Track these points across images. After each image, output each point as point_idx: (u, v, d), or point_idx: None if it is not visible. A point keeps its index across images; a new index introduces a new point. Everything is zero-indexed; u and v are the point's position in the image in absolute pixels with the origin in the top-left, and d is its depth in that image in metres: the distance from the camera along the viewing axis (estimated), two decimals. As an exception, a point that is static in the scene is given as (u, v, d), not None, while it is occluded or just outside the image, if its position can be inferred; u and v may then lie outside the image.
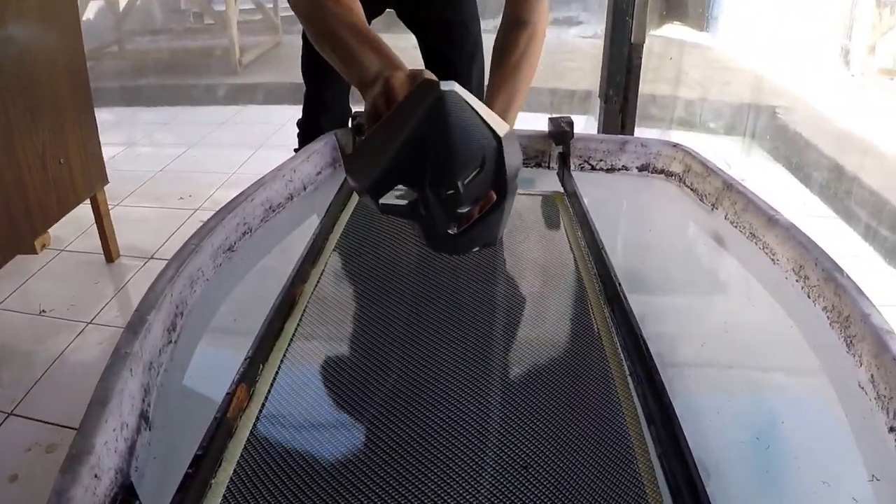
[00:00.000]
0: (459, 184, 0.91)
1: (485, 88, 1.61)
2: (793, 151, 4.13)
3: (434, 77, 0.97)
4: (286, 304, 1.11)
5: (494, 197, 0.98)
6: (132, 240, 3.16)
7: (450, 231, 0.99)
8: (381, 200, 0.95)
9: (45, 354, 2.52)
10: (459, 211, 0.96)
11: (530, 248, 1.35)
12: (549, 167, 1.76)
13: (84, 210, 2.92)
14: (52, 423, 2.21)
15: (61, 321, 2.70)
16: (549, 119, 1.71)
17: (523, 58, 1.36)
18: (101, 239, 3.01)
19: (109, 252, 3.01)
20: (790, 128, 4.34)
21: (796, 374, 1.06)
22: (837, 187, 3.63)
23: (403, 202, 0.95)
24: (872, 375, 0.95)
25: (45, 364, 2.47)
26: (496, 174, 0.93)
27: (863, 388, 0.96)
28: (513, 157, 0.95)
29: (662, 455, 0.84)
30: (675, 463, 0.80)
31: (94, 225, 3.01)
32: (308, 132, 2.27)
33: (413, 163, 0.90)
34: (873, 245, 3.13)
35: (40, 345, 2.58)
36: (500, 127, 0.90)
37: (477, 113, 0.86)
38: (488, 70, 1.46)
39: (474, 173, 0.92)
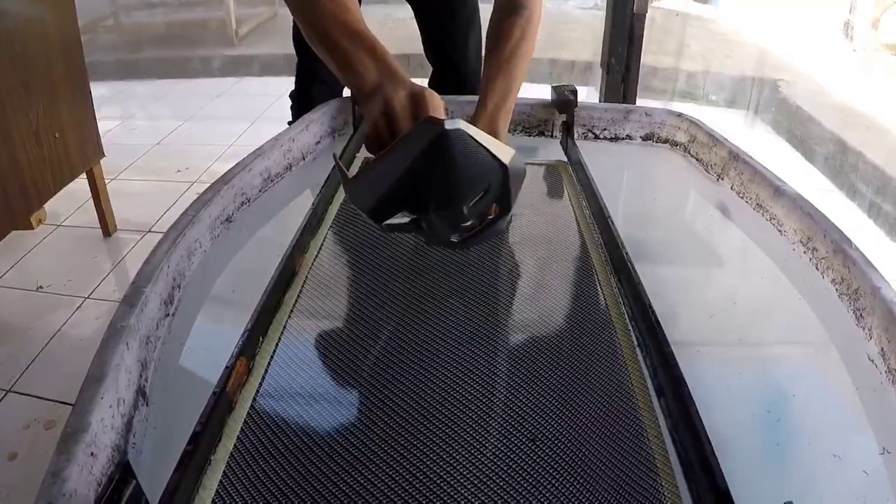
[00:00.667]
0: (464, 207, 0.90)
1: (482, 59, 1.58)
2: (795, 125, 4.11)
3: (435, 100, 0.97)
4: (285, 276, 1.09)
5: (498, 209, 0.96)
6: (129, 214, 3.13)
7: (452, 239, 0.97)
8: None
9: (42, 330, 2.50)
10: (463, 225, 0.94)
11: (534, 218, 1.33)
12: (552, 136, 1.74)
13: (80, 185, 2.89)
14: (50, 400, 2.19)
15: (59, 296, 2.69)
16: (553, 87, 1.69)
17: (518, 46, 1.32)
18: (97, 213, 2.99)
19: (106, 226, 2.99)
20: (792, 101, 4.32)
21: (805, 347, 1.04)
22: (840, 162, 3.62)
23: (406, 220, 0.93)
24: (883, 349, 0.93)
25: (43, 340, 2.45)
26: (502, 195, 0.91)
27: (873, 361, 0.95)
28: (517, 174, 0.93)
29: (673, 428, 0.82)
30: (687, 436, 0.78)
31: (91, 199, 2.99)
32: (301, 103, 2.25)
33: (417, 194, 0.88)
34: (876, 220, 3.12)
35: (38, 321, 2.56)
36: (505, 154, 0.87)
37: (482, 145, 0.83)
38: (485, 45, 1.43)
39: (479, 197, 0.90)
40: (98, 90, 3.00)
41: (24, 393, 2.25)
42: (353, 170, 1.45)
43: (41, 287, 2.74)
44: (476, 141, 0.82)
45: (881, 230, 3.05)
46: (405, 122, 0.96)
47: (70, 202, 3.21)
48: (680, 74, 4.76)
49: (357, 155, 1.52)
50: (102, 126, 3.01)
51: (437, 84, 2.31)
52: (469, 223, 0.96)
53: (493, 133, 1.25)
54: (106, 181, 3.01)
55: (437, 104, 0.96)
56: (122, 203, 3.13)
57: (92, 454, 0.72)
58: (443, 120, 0.79)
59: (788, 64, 4.78)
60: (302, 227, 1.19)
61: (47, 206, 2.58)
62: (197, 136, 4.14)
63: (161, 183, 3.52)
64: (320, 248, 1.21)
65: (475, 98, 1.33)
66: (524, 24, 1.34)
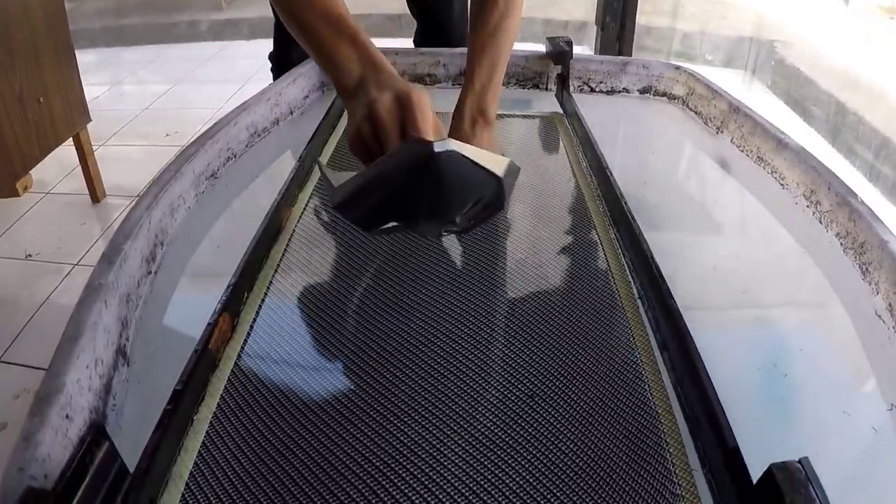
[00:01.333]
0: (456, 218, 0.86)
1: (467, 17, 1.53)
2: (792, 86, 4.09)
3: (423, 102, 0.86)
4: (271, 230, 1.05)
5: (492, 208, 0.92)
6: (118, 179, 3.10)
7: (444, 233, 0.95)
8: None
9: (31, 299, 2.48)
10: (454, 229, 0.90)
11: (531, 170, 1.30)
12: (546, 89, 1.70)
13: (68, 152, 2.87)
14: (40, 369, 2.17)
15: (48, 264, 2.66)
16: (548, 39, 1.66)
17: (503, 19, 1.25)
18: (85, 179, 2.96)
19: (95, 192, 2.96)
20: (788, 62, 4.30)
21: (809, 302, 1.02)
22: (837, 123, 3.60)
23: (395, 224, 0.89)
24: (890, 304, 0.91)
25: (32, 309, 2.43)
26: (495, 201, 0.88)
27: (880, 316, 0.92)
28: (511, 176, 0.89)
29: (678, 382, 0.80)
30: (693, 391, 0.75)
31: (79, 166, 2.96)
32: (280, 64, 2.23)
33: (406, 209, 0.84)
34: (875, 183, 3.11)
35: (26, 289, 2.54)
36: (499, 165, 0.83)
37: (473, 162, 0.79)
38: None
39: (471, 205, 0.86)
40: (85, 57, 2.97)
41: (14, 363, 2.23)
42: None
43: (30, 255, 2.71)
44: (468, 159, 0.78)
45: (879, 191, 3.04)
46: (391, 128, 0.87)
47: (58, 169, 3.18)
48: (675, 34, 4.74)
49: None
50: (90, 93, 2.97)
51: (422, 40, 2.28)
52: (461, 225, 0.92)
53: (482, 113, 1.24)
54: (94, 147, 2.98)
55: (425, 107, 0.88)
56: (111, 169, 3.10)
57: (67, 416, 0.68)
58: (431, 142, 0.73)
59: (785, 25, 4.76)
60: (289, 181, 1.16)
61: (35, 174, 2.55)
62: (185, 101, 4.10)
63: (150, 148, 3.47)
64: (307, 202, 1.18)
65: (465, 51, 1.28)
66: None
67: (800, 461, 0.56)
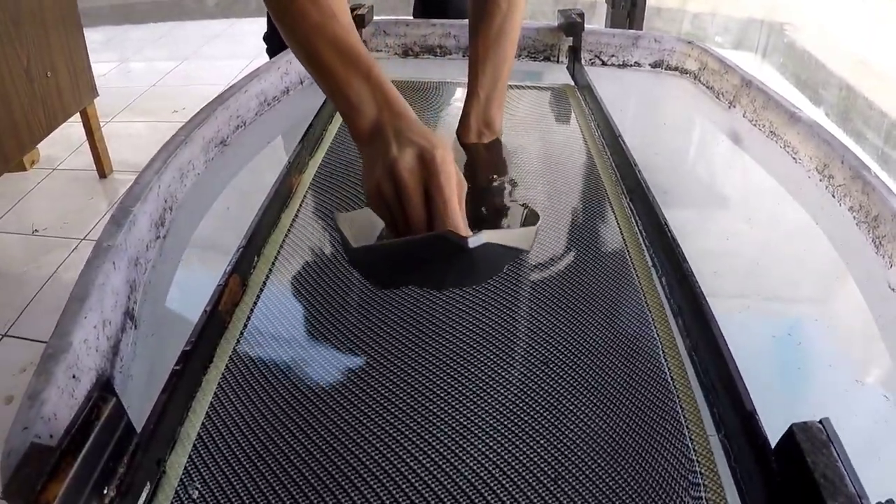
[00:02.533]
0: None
1: None
2: (802, 69, 4.07)
3: (448, 162, 0.78)
4: (282, 195, 1.05)
5: None
6: (125, 155, 3.10)
7: None
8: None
9: (38, 273, 2.48)
10: None
11: (543, 141, 1.30)
12: (558, 61, 1.70)
13: (76, 128, 2.87)
14: (46, 343, 2.17)
15: (55, 239, 2.66)
16: (559, 11, 1.65)
17: (506, 21, 1.21)
18: (93, 155, 2.96)
19: (102, 167, 2.95)
20: (799, 45, 4.28)
21: (822, 275, 1.00)
22: (847, 106, 3.58)
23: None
24: (904, 277, 0.90)
25: (39, 283, 2.43)
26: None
27: (893, 289, 0.91)
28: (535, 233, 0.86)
29: (693, 349, 0.79)
30: (708, 357, 0.74)
31: (86, 142, 2.96)
32: (274, 45, 2.21)
33: (430, 281, 0.82)
34: (885, 167, 3.09)
35: (33, 264, 2.54)
36: (527, 240, 0.81)
37: (506, 246, 0.77)
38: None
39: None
40: (93, 36, 2.97)
41: (20, 336, 2.23)
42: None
43: (37, 231, 2.71)
44: (499, 245, 0.74)
45: (887, 175, 3.02)
46: (414, 192, 0.76)
47: (66, 146, 3.18)
48: (685, 16, 4.72)
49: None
50: (97, 70, 2.96)
51: (421, 12, 2.25)
52: None
53: (488, 124, 1.24)
54: (101, 123, 2.97)
55: (449, 167, 0.78)
56: (118, 145, 3.10)
57: (74, 377, 0.68)
58: (465, 238, 0.68)
59: (796, 7, 4.73)
60: (299, 148, 1.15)
61: (43, 150, 2.55)
62: (193, 77, 4.09)
63: (157, 124, 3.46)
64: (318, 168, 1.17)
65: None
66: None
67: (821, 422, 0.55)
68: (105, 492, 0.57)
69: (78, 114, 2.78)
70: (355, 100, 0.85)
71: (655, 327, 0.84)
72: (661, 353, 0.80)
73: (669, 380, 0.76)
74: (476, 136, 1.24)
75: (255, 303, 0.87)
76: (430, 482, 0.65)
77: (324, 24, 0.87)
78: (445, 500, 0.64)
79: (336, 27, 0.87)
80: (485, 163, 1.21)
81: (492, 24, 1.21)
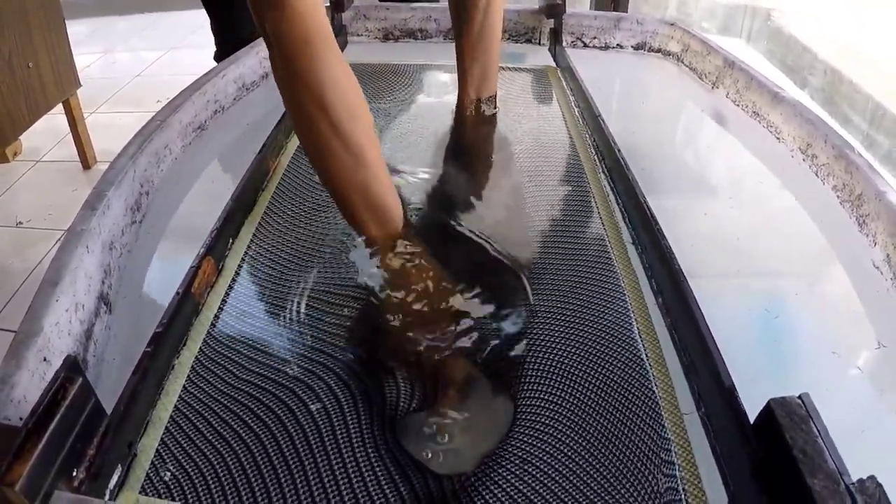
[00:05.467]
0: None
1: None
2: (788, 54, 4.07)
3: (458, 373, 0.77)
4: (258, 177, 1.04)
5: None
6: (109, 146, 3.07)
7: None
8: None
9: (22, 266, 2.47)
10: None
11: (524, 121, 1.30)
12: (540, 43, 1.69)
13: (59, 119, 2.85)
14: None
15: (39, 231, 2.65)
16: (542, -7, 1.65)
17: (487, 15, 1.23)
18: (76, 146, 2.93)
19: (86, 159, 2.93)
20: (785, 31, 4.28)
21: (805, 254, 1.00)
22: (832, 92, 3.59)
23: None
24: (888, 255, 0.90)
25: (23, 275, 2.41)
26: None
27: (877, 267, 0.91)
28: None
29: (672, 326, 0.79)
30: (687, 335, 0.74)
31: (70, 134, 2.94)
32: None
33: None
34: (871, 150, 3.10)
35: (17, 256, 2.52)
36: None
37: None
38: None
39: None
40: (77, 27, 2.95)
41: (4, 328, 2.22)
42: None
43: (21, 223, 2.70)
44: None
45: (874, 158, 3.03)
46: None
47: (49, 137, 3.16)
48: (670, 1, 4.72)
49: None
50: (81, 61, 2.93)
51: None
52: None
53: (484, 121, 1.27)
54: (85, 115, 2.95)
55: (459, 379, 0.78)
56: (103, 135, 3.08)
57: (45, 359, 0.67)
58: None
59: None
60: (276, 131, 1.14)
61: (26, 142, 2.52)
62: (178, 67, 4.06)
63: (141, 114, 3.35)
64: (295, 151, 1.17)
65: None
66: None
67: (800, 397, 0.55)
68: (74, 473, 0.57)
69: (61, 105, 2.77)
70: (393, 266, 0.88)
71: (634, 305, 0.84)
72: (640, 331, 0.80)
73: (647, 358, 0.76)
74: (471, 130, 1.26)
75: (230, 285, 0.86)
76: (403, 463, 0.65)
77: (355, 173, 0.87)
78: (420, 478, 0.64)
79: (369, 178, 0.88)
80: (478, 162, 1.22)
81: (473, 21, 1.22)
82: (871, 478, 0.50)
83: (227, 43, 2.19)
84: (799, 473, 0.50)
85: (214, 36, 2.21)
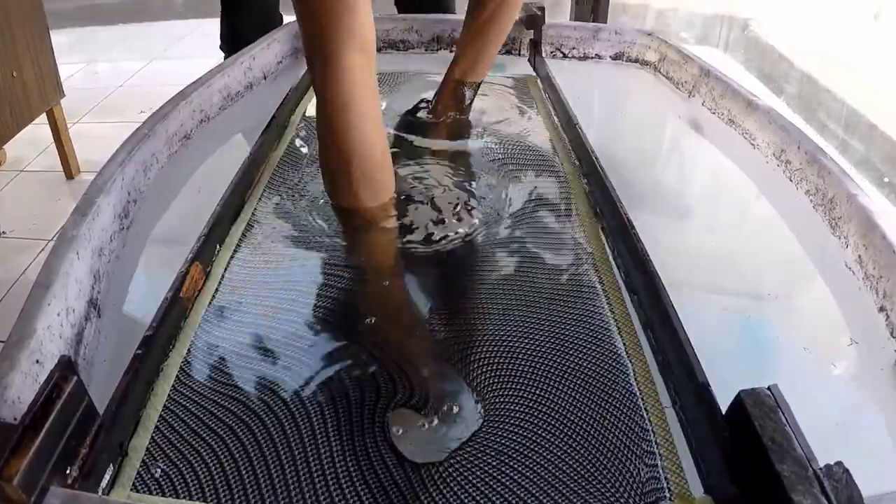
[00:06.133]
0: None
1: None
2: (765, 63, 4.11)
3: None
4: (245, 185, 1.06)
5: None
6: (93, 156, 3.06)
7: None
8: None
9: (6, 276, 2.46)
10: None
11: (503, 128, 1.32)
12: (519, 54, 1.71)
13: (43, 129, 2.85)
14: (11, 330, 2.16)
15: (22, 241, 2.64)
16: (520, 4, 1.67)
17: (500, 7, 1.26)
18: (60, 156, 2.93)
19: (69, 168, 2.93)
20: (763, 40, 4.32)
21: (779, 255, 1.02)
22: (810, 99, 3.62)
23: None
24: (860, 256, 0.92)
25: (7, 285, 2.41)
26: None
27: (850, 268, 0.93)
28: None
29: (647, 325, 0.81)
30: (662, 333, 0.77)
31: (53, 144, 2.94)
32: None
33: None
34: (844, 155, 3.14)
35: (1, 266, 2.52)
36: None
37: None
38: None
39: None
40: (60, 37, 2.94)
41: (-12, 338, 2.21)
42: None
43: (4, 233, 2.69)
44: None
45: (849, 163, 3.07)
46: None
47: (33, 148, 3.15)
48: (649, 11, 4.75)
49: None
50: (65, 71, 2.93)
51: (406, 6, 2.26)
52: None
53: (458, 104, 1.30)
54: (69, 125, 2.95)
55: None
56: (85, 146, 3.07)
57: (37, 362, 0.69)
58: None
59: (757, 2, 4.77)
60: (262, 140, 1.16)
61: (9, 152, 2.53)
62: (161, 78, 4.04)
63: (125, 124, 3.35)
64: (280, 160, 1.19)
65: (439, 17, 1.29)
66: None
67: (769, 388, 0.57)
68: (69, 472, 0.58)
69: (44, 115, 2.77)
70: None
71: (611, 305, 0.86)
72: (616, 329, 0.82)
73: (625, 355, 0.78)
74: (444, 113, 1.28)
75: (217, 290, 0.88)
76: (388, 460, 0.67)
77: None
78: (402, 474, 0.65)
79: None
80: (446, 138, 1.25)
81: (486, 7, 1.26)
82: (839, 463, 0.52)
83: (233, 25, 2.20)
84: (768, 460, 0.52)
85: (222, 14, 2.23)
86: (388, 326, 0.83)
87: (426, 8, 2.08)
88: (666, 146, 1.36)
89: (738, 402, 0.57)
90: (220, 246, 0.95)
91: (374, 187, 1.00)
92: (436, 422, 0.70)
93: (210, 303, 0.86)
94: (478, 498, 0.63)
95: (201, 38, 4.94)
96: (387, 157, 1.01)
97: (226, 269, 0.92)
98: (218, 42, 2.59)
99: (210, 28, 5.17)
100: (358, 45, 0.94)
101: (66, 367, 0.60)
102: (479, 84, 1.33)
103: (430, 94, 1.38)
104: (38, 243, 2.60)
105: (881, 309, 0.85)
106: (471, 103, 1.32)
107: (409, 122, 1.33)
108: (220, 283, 0.89)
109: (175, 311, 0.80)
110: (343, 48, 0.93)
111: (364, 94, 0.95)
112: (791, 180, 1.12)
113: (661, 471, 0.66)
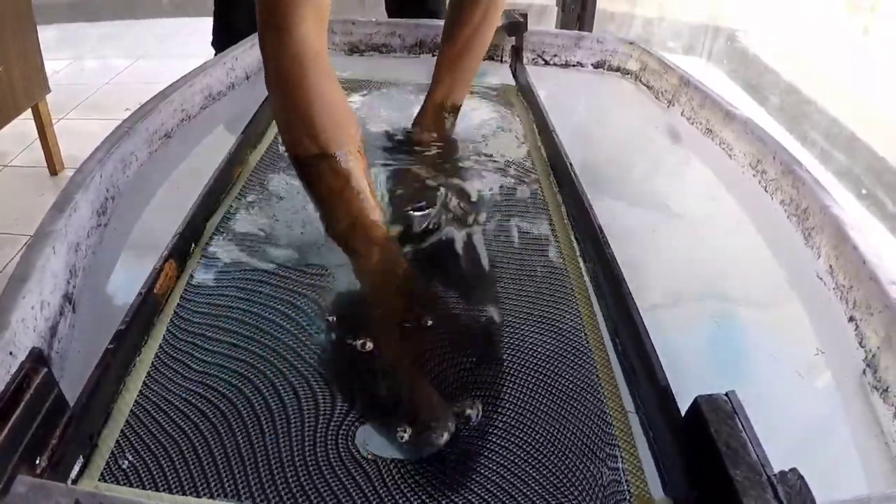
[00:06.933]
0: None
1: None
2: (751, 74, 4.13)
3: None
4: (221, 184, 1.07)
5: None
6: (77, 152, 3.06)
7: None
8: None
9: (-13, 270, 2.46)
10: None
11: (482, 137, 1.32)
12: (501, 61, 1.72)
13: (28, 125, 2.84)
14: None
15: (5, 236, 2.63)
16: (503, 11, 1.67)
17: (476, 32, 1.29)
18: (44, 152, 2.93)
19: (53, 165, 2.92)
20: (749, 51, 4.34)
21: (752, 265, 1.04)
22: (795, 111, 3.64)
23: None
24: (831, 266, 0.93)
25: (-12, 280, 2.41)
26: None
27: (821, 278, 0.95)
28: None
29: (614, 331, 0.82)
30: (628, 339, 0.78)
31: (38, 139, 2.94)
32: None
33: None
34: (826, 165, 3.16)
35: (-17, 261, 2.52)
36: None
37: None
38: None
39: None
40: (47, 33, 2.93)
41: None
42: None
43: (-14, 228, 2.69)
44: None
45: (831, 174, 3.09)
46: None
47: (17, 142, 3.15)
48: (635, 20, 4.76)
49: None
50: (51, 67, 2.94)
51: (395, 10, 2.26)
52: None
53: (440, 131, 1.29)
54: (54, 121, 2.94)
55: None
56: (70, 142, 3.07)
57: (11, 353, 0.69)
58: None
59: (745, 13, 4.79)
60: (241, 140, 1.17)
61: (-5, 148, 2.53)
62: (147, 75, 4.03)
63: (110, 121, 3.32)
64: (259, 160, 1.20)
65: (421, 22, 1.30)
66: (485, 9, 1.28)
67: (726, 394, 0.58)
68: (38, 461, 0.59)
69: (30, 110, 2.76)
70: (358, 247, 0.94)
71: (580, 311, 0.87)
72: (584, 335, 0.83)
73: (592, 360, 0.79)
74: (427, 135, 1.28)
75: (189, 287, 0.89)
76: (356, 455, 0.68)
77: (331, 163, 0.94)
78: (374, 470, 0.66)
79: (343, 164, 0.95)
80: (428, 160, 1.24)
81: (461, 35, 1.28)
82: (793, 470, 0.53)
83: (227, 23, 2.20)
84: (723, 465, 0.53)
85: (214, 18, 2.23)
86: (361, 326, 0.84)
87: (416, 9, 2.10)
88: (643, 155, 1.37)
89: (696, 408, 0.58)
90: (195, 244, 0.96)
91: (338, 130, 0.96)
92: (405, 426, 0.71)
93: (182, 299, 0.86)
94: (441, 500, 0.64)
95: (187, 36, 4.94)
96: (346, 103, 1.00)
97: (199, 267, 0.93)
98: (207, 39, 2.58)
99: (197, 26, 5.17)
100: (312, 9, 0.93)
101: (37, 358, 0.61)
102: (460, 106, 1.34)
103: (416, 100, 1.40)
104: (21, 238, 2.60)
105: (850, 319, 0.86)
106: (453, 126, 1.33)
107: (391, 146, 1.31)
108: (192, 280, 0.90)
109: (148, 307, 0.80)
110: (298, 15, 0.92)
111: (320, 56, 0.95)
112: (766, 190, 1.13)
113: (622, 473, 0.67)
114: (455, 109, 1.33)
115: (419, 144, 1.26)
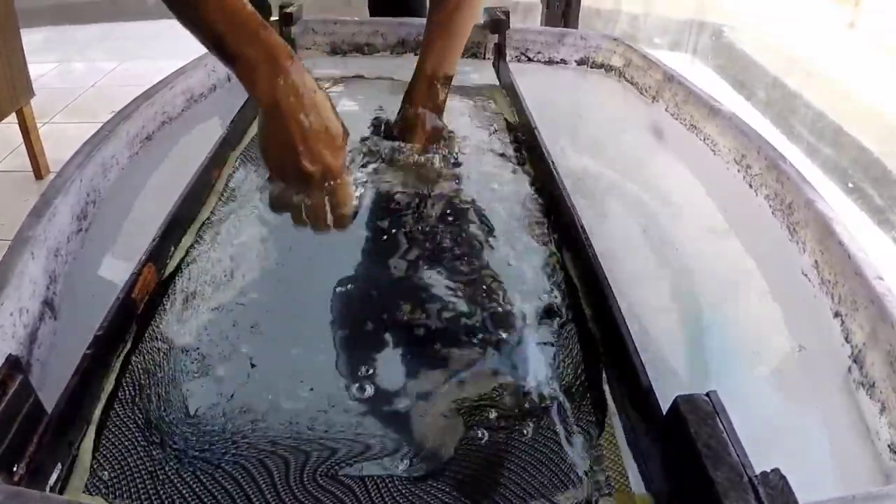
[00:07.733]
0: None
1: None
2: (738, 69, 4.13)
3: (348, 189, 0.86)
4: (200, 188, 1.06)
5: None
6: (62, 156, 3.02)
7: None
8: None
9: (-28, 275, 2.44)
10: None
11: (462, 137, 1.32)
12: (484, 58, 1.72)
13: (13, 129, 2.83)
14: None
15: (-11, 240, 2.63)
16: (485, 9, 1.67)
17: (460, 6, 1.26)
18: (29, 155, 2.92)
19: (38, 168, 2.91)
20: (736, 46, 4.34)
21: (737, 261, 1.03)
22: (781, 105, 3.65)
23: None
24: (816, 261, 0.93)
25: (-28, 284, 2.39)
26: None
27: (806, 274, 0.94)
28: None
29: (596, 329, 0.82)
30: (612, 338, 0.78)
31: (23, 143, 2.92)
32: None
33: None
34: (813, 160, 3.16)
35: (-32, 265, 2.50)
36: None
37: None
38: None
39: None
40: (32, 36, 2.91)
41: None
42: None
43: (-30, 233, 2.68)
44: None
45: (818, 168, 3.09)
46: (321, 221, 0.87)
47: (1, 147, 3.14)
48: (622, 16, 4.76)
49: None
50: (36, 70, 2.92)
51: (377, 8, 2.25)
52: None
53: (433, 105, 1.26)
54: (39, 125, 2.93)
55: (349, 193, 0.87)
56: (56, 146, 3.06)
57: (-12, 361, 0.69)
58: None
59: (731, 9, 4.80)
60: (220, 142, 1.16)
61: (-21, 153, 2.51)
62: (134, 78, 4.00)
63: (95, 124, 3.31)
64: (237, 164, 1.19)
65: (404, 20, 1.29)
66: None
67: (707, 394, 0.58)
68: (15, 469, 0.58)
69: (14, 114, 2.75)
70: (251, 65, 0.85)
71: (561, 309, 0.87)
72: (569, 335, 0.83)
73: (577, 359, 0.79)
74: (419, 109, 1.26)
75: (168, 291, 0.88)
76: (338, 448, 0.68)
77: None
78: (353, 463, 0.66)
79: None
80: (422, 134, 1.24)
81: (447, 3, 1.25)
82: (776, 470, 0.52)
83: None
84: (703, 466, 0.53)
85: None
86: (343, 328, 0.84)
87: (399, 8, 2.08)
88: (627, 151, 1.36)
89: (675, 408, 0.58)
90: (175, 248, 0.95)
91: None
92: (385, 414, 0.71)
93: (161, 304, 0.86)
94: (425, 498, 0.64)
95: (173, 38, 4.90)
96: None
97: (178, 271, 0.92)
98: (189, 42, 2.56)
99: (182, 28, 5.16)
100: None
101: (13, 365, 0.60)
102: (452, 78, 1.31)
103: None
104: (5, 243, 2.58)
105: (836, 314, 0.86)
106: (445, 98, 1.30)
107: (380, 129, 1.31)
108: (172, 284, 0.90)
109: (126, 311, 0.80)
110: None
111: None
112: (751, 186, 1.12)
113: (604, 474, 0.67)
114: (448, 80, 1.29)
115: (407, 131, 1.26)
